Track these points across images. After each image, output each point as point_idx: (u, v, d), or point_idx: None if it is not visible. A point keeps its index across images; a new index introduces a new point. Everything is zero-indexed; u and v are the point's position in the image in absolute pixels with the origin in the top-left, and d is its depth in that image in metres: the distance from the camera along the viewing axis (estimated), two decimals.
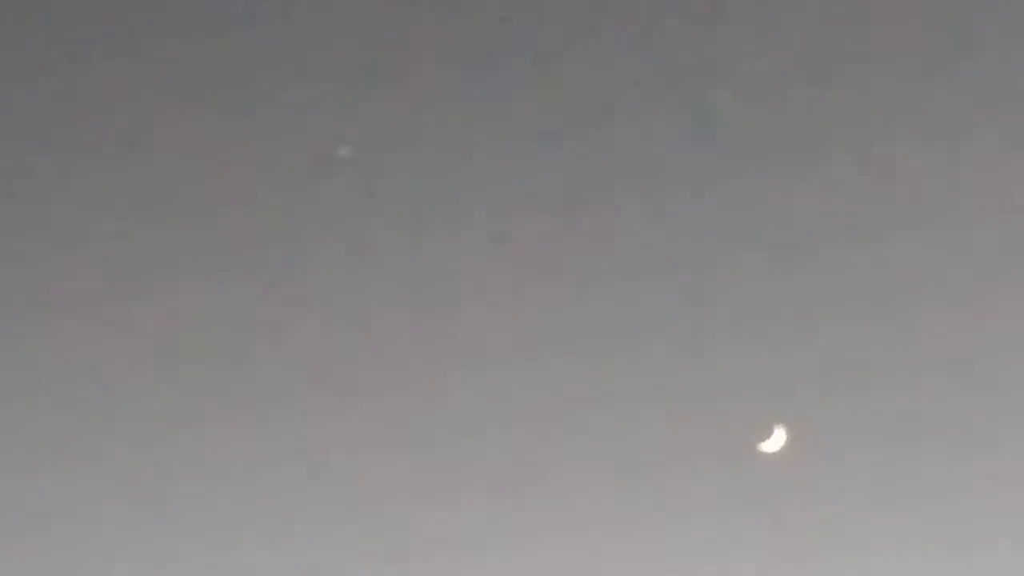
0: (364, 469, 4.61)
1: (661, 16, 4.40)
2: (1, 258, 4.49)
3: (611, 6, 4.41)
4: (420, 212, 4.52)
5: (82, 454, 4.67)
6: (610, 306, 4.61)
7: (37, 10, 4.25)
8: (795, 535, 4.62)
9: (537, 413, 4.63)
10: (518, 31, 4.38)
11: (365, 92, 4.43)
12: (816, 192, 4.52)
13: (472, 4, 4.36)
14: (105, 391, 4.64)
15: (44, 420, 4.64)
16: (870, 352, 4.59)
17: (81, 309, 4.54)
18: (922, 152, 4.44)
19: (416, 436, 4.64)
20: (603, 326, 4.61)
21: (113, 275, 4.52)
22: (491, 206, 4.53)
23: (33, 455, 4.65)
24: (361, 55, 4.40)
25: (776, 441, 4.63)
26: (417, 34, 4.40)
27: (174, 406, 4.64)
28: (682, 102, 4.49)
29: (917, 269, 4.51)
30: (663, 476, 4.62)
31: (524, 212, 4.55)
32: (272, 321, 4.60)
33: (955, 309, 4.51)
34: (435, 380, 4.62)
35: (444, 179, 4.47)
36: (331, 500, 4.64)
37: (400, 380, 4.63)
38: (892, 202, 4.51)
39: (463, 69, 4.41)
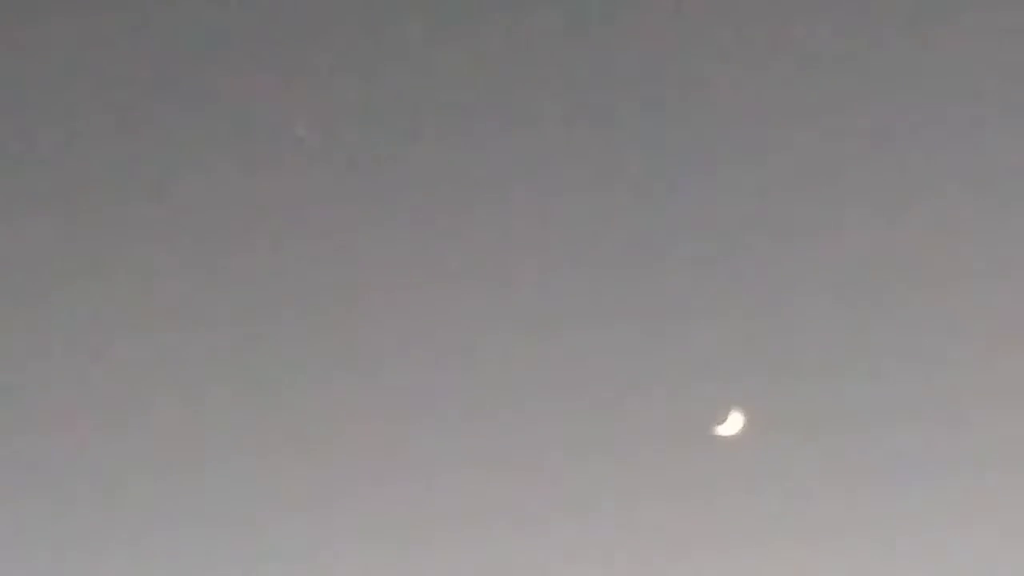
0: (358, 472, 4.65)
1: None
2: None
3: None
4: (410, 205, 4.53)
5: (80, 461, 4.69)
6: (567, 290, 4.63)
7: None
8: (752, 519, 4.65)
9: (493, 398, 4.65)
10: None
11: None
12: (770, 177, 4.55)
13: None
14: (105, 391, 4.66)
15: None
16: (827, 336, 4.61)
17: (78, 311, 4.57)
18: (873, 138, 4.47)
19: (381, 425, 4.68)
20: (559, 310, 4.63)
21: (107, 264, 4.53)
22: (439, 192, 4.55)
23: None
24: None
25: (733, 425, 4.65)
26: None
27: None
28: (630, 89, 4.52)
29: (871, 252, 4.54)
30: (618, 460, 4.64)
31: (491, 196, 4.57)
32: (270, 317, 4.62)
33: (913, 293, 4.54)
34: (384, 366, 4.64)
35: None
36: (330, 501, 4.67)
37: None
38: (846, 188, 4.55)
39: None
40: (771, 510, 4.63)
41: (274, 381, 4.65)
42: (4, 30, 4.26)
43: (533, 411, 4.66)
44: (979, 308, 4.52)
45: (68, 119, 4.50)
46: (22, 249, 4.49)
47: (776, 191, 4.56)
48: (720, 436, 4.66)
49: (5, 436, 4.62)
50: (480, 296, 4.61)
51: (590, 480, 4.66)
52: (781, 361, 4.62)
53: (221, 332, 4.64)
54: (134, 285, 4.61)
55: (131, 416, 4.64)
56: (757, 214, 4.58)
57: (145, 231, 4.57)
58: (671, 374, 4.64)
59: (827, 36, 4.42)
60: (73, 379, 4.65)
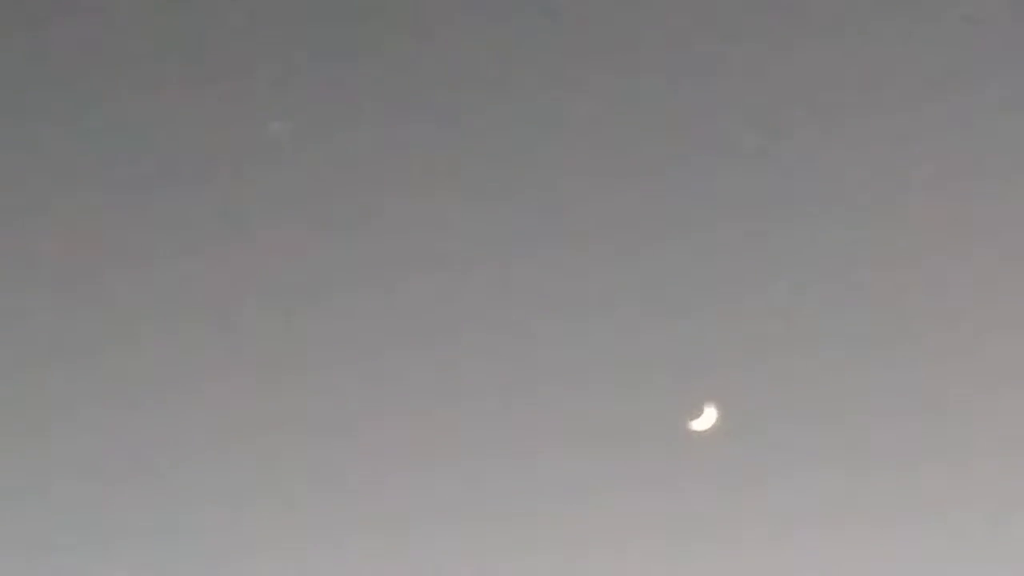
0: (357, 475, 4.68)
1: None
2: None
3: None
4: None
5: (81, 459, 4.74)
6: (543, 284, 4.65)
7: None
8: (724, 514, 4.64)
9: (469, 394, 4.67)
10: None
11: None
12: (742, 169, 4.57)
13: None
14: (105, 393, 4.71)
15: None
16: (802, 330, 4.62)
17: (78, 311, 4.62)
18: (846, 137, 4.49)
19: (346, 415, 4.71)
20: (533, 306, 4.65)
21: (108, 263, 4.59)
22: (431, 190, 4.59)
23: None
24: None
25: (706, 420, 4.66)
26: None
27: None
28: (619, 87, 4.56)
29: (846, 245, 4.55)
30: (593, 455, 4.65)
31: (470, 194, 4.61)
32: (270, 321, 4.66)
33: (888, 284, 4.54)
34: (369, 362, 4.67)
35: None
36: (330, 505, 4.70)
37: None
38: (819, 180, 4.56)
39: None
40: (745, 505, 4.62)
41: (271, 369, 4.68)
42: None
43: (508, 408, 4.68)
44: (960, 299, 4.52)
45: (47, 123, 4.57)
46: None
47: (748, 183, 4.59)
48: (695, 431, 4.66)
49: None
50: (456, 290, 4.64)
51: (567, 476, 4.67)
52: (755, 356, 4.62)
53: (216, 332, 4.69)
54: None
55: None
56: (729, 207, 4.60)
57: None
58: (645, 370, 4.66)
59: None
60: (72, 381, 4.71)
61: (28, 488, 4.73)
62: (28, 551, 4.71)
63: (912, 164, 4.49)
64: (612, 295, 4.64)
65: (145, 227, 4.65)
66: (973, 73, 4.40)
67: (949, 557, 4.47)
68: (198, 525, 4.71)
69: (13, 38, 4.32)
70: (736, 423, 4.62)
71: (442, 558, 4.59)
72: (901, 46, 4.43)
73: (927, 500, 4.51)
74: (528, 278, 4.66)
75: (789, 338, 4.60)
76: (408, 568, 4.60)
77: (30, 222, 4.63)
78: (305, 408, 4.68)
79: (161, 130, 4.49)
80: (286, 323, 4.67)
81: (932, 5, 4.37)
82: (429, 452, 4.65)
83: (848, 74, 4.46)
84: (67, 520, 4.75)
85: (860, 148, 4.53)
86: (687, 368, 4.65)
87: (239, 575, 4.74)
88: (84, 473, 4.73)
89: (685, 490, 4.63)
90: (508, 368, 4.65)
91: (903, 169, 4.50)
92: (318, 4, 4.43)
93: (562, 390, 4.65)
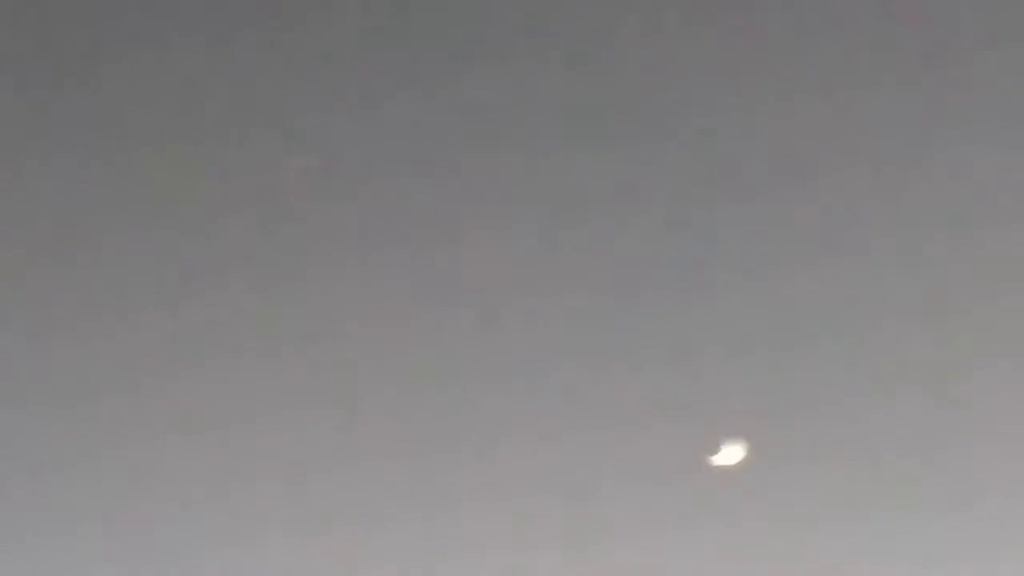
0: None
1: None
2: None
3: None
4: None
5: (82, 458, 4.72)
6: (566, 319, 4.63)
7: None
8: (750, 549, 4.67)
9: (497, 428, 4.66)
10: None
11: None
12: (777, 209, 4.54)
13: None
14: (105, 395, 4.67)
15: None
16: (828, 367, 4.61)
17: (78, 313, 4.55)
18: (872, 171, 4.45)
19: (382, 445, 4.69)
20: (557, 338, 4.63)
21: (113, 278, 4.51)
22: (474, 212, 4.52)
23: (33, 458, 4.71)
24: None
25: (732, 455, 4.67)
26: None
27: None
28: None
29: (873, 279, 4.52)
30: (618, 490, 4.66)
31: (501, 220, 4.54)
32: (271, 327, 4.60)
33: (915, 319, 4.52)
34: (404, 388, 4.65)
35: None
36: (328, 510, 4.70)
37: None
38: (850, 219, 4.53)
39: None
40: (771, 541, 4.65)
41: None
42: None
43: (532, 442, 4.67)
44: (984, 330, 4.51)
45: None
46: None
47: (775, 221, 4.55)
48: (718, 466, 4.68)
49: None
50: (478, 323, 4.61)
51: (591, 510, 4.69)
52: (780, 392, 4.62)
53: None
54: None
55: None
56: (756, 244, 4.57)
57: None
58: (669, 405, 4.65)
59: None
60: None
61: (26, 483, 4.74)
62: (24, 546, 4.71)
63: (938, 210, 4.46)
64: (638, 330, 4.62)
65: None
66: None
67: None
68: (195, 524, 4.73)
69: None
70: (762, 461, 4.64)
71: None
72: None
73: (957, 542, 4.55)
74: (551, 310, 4.62)
75: (818, 373, 4.60)
76: None
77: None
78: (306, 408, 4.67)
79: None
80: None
81: None
82: (456, 496, 4.66)
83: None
84: (65, 517, 4.75)
85: (889, 193, 4.50)
86: (711, 403, 4.65)
87: (237, 574, 4.75)
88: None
89: (710, 527, 4.66)
90: (534, 408, 4.64)
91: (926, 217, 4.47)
92: None
93: (589, 428, 4.65)
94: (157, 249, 4.30)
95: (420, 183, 4.22)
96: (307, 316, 4.46)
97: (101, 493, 4.74)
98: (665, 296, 4.49)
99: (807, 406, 4.59)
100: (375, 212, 4.30)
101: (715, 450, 4.65)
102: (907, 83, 4.00)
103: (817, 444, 4.61)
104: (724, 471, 4.66)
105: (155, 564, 4.76)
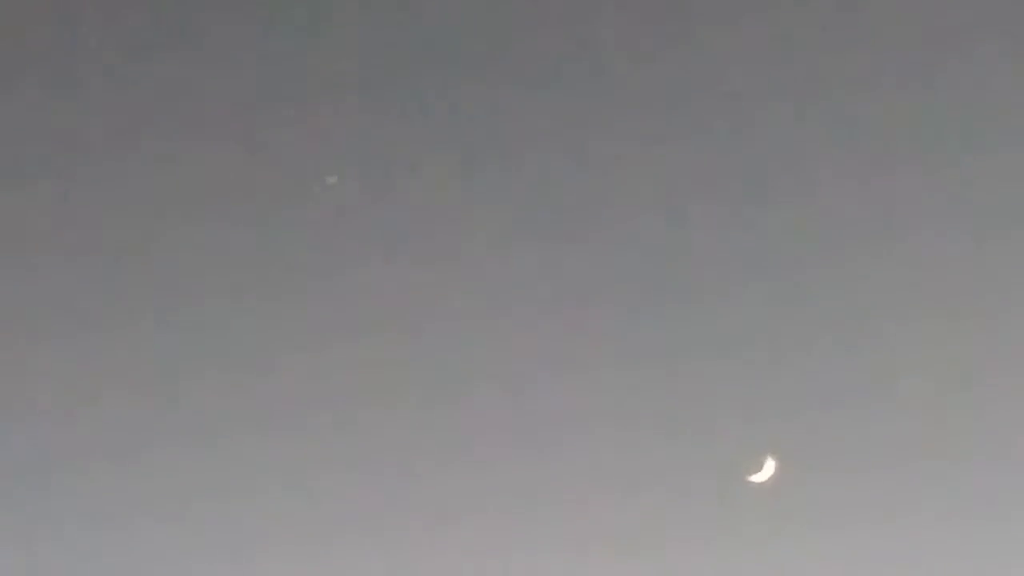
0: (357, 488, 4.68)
1: None
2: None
3: None
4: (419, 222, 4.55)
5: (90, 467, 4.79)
6: (601, 332, 4.63)
7: None
8: (784, 565, 4.58)
9: (523, 438, 4.66)
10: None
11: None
12: (802, 219, 4.52)
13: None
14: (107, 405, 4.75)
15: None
16: (861, 382, 4.55)
17: (85, 322, 4.64)
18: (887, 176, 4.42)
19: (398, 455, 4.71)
20: (593, 353, 4.63)
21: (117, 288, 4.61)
22: (485, 229, 4.57)
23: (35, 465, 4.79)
24: None
25: (766, 471, 4.60)
26: None
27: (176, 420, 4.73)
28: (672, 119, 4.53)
29: (902, 295, 4.48)
30: (652, 503, 4.61)
31: (520, 239, 4.59)
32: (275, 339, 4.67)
33: (941, 332, 4.46)
34: (419, 398, 4.67)
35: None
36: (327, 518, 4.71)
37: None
38: (876, 227, 4.50)
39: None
40: (802, 557, 4.55)
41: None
42: None
43: (564, 457, 4.66)
44: (1006, 343, 4.42)
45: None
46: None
47: (805, 234, 4.53)
48: (753, 483, 4.61)
49: None
50: (512, 332, 4.63)
51: (622, 525, 4.64)
52: (815, 408, 4.57)
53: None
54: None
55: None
56: (794, 258, 4.55)
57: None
58: (704, 421, 4.62)
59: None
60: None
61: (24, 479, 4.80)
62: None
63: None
64: (675, 346, 4.60)
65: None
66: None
67: None
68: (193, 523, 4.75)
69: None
70: (795, 475, 4.57)
71: None
72: None
73: (988, 545, 4.42)
74: (585, 323, 4.63)
75: (849, 389, 4.54)
76: None
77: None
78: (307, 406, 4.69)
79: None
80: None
81: None
82: (489, 501, 4.65)
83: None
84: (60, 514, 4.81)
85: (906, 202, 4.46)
86: (746, 419, 4.60)
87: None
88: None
89: (738, 540, 4.58)
90: (565, 420, 4.64)
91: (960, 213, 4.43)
92: None
93: (615, 440, 4.62)
94: (158, 259, 4.41)
95: (420, 194, 4.30)
96: (308, 324, 4.54)
97: (104, 498, 4.80)
98: (679, 303, 4.50)
99: (831, 417, 4.54)
100: (380, 221, 4.38)
101: (738, 462, 4.59)
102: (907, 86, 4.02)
103: (842, 455, 4.54)
104: (747, 483, 4.60)
105: (154, 567, 4.79)
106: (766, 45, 4.12)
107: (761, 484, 4.63)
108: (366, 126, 4.24)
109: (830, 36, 4.13)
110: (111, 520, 4.75)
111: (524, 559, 4.66)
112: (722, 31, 4.15)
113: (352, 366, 4.59)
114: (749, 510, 4.61)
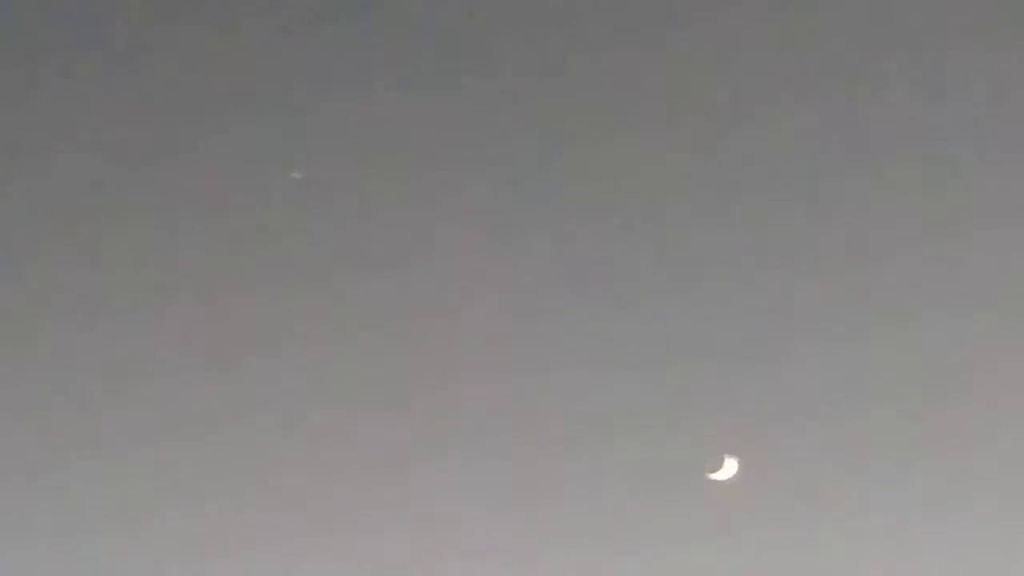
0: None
1: None
2: None
3: None
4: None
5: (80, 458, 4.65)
6: (562, 332, 4.60)
7: None
8: (746, 563, 4.65)
9: (489, 438, 4.63)
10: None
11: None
12: (777, 221, 4.53)
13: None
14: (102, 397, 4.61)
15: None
16: (822, 380, 4.60)
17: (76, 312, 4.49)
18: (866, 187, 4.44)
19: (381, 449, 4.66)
20: (554, 352, 4.60)
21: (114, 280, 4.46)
22: (473, 228, 4.48)
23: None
24: None
25: (727, 470, 4.64)
26: None
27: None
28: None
29: (864, 294, 4.52)
30: (615, 503, 4.64)
31: (498, 229, 4.51)
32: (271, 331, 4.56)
33: (907, 333, 4.51)
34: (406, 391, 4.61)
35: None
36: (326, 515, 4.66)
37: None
38: (846, 229, 4.53)
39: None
40: (765, 554, 4.62)
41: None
42: None
43: (527, 456, 4.65)
44: (977, 348, 4.50)
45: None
46: None
47: (771, 235, 4.55)
48: (714, 481, 4.65)
49: None
50: (476, 331, 4.58)
51: (585, 524, 4.66)
52: (775, 406, 4.61)
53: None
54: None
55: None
56: (753, 257, 4.56)
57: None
58: (665, 419, 4.63)
59: None
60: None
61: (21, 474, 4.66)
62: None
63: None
64: (637, 346, 4.59)
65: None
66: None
67: None
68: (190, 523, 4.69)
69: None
70: (755, 473, 4.62)
71: None
72: None
73: (952, 547, 4.54)
74: (549, 321, 4.59)
75: (812, 388, 4.58)
76: None
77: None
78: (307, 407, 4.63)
79: None
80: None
81: None
82: (452, 501, 4.62)
83: None
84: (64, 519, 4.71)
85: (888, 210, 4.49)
86: (706, 417, 4.63)
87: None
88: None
89: (707, 540, 4.63)
90: (530, 419, 4.61)
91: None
92: None
93: (585, 440, 4.62)
94: (157, 253, 4.29)
95: (418, 181, 4.21)
96: (308, 319, 4.45)
97: (102, 494, 4.68)
98: (663, 305, 4.48)
99: (799, 417, 4.57)
100: (374, 219, 4.29)
101: (711, 461, 4.63)
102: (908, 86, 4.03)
103: (811, 454, 4.60)
104: (718, 483, 4.64)
105: (153, 566, 4.69)
106: (765, 45, 4.11)
107: (722, 482, 4.68)
108: (355, 124, 4.14)
109: (830, 36, 4.12)
110: (106, 520, 4.64)
111: (490, 559, 4.66)
112: (722, 31, 4.13)
113: (345, 363, 4.53)
114: (711, 507, 4.66)
